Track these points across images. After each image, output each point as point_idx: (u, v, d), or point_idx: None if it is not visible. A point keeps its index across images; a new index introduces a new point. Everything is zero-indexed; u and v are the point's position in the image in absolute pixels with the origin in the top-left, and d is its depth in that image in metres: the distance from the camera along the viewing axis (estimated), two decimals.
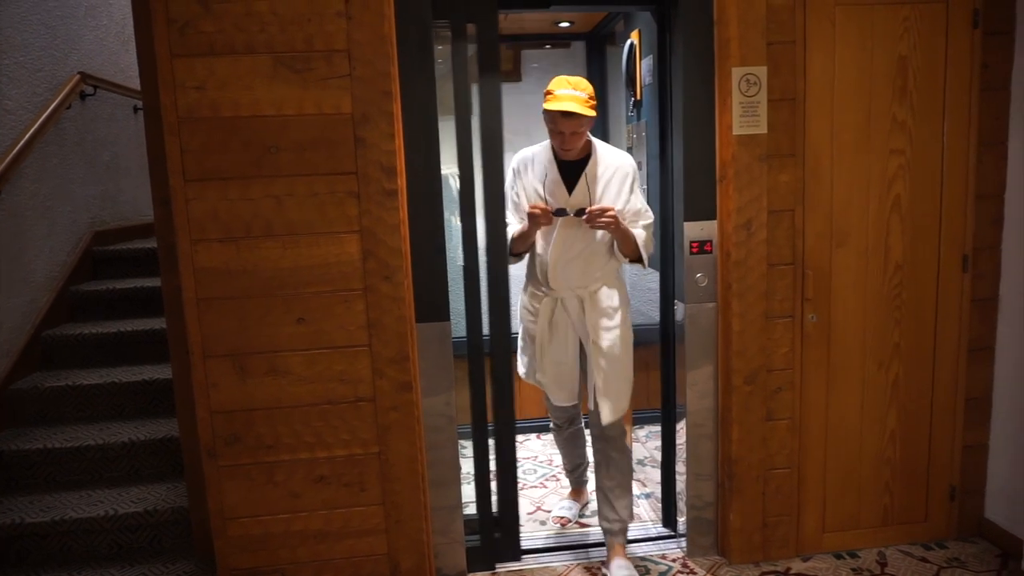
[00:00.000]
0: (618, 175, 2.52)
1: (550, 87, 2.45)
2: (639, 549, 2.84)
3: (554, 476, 3.65)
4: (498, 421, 2.74)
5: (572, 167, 2.53)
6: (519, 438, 4.17)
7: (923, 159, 2.58)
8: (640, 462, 3.62)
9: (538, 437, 4.15)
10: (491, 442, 2.80)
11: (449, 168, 2.58)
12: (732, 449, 2.62)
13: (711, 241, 2.60)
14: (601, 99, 4.01)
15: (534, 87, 4.12)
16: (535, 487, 3.55)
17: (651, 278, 3.37)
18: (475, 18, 2.52)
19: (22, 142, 3.11)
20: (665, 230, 2.81)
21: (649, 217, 2.57)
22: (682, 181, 2.59)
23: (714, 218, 2.59)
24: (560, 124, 2.42)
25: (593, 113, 2.41)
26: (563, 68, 3.75)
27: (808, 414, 2.66)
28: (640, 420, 3.84)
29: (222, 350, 2.21)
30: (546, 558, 2.82)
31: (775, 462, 2.66)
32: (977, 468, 2.77)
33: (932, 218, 2.61)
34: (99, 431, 2.87)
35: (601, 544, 2.84)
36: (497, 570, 2.76)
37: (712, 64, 2.53)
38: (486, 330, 2.69)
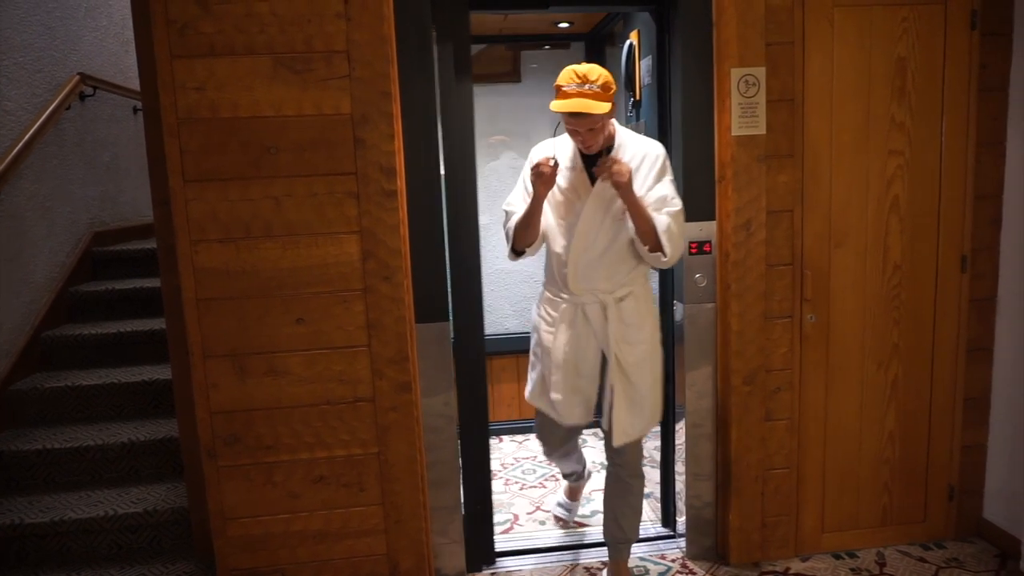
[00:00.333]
0: (646, 162, 2.30)
1: (559, 81, 2.21)
2: (638, 549, 2.84)
3: (553, 476, 3.65)
4: (469, 423, 2.69)
5: (595, 158, 2.30)
6: (519, 438, 4.18)
7: (922, 160, 2.59)
8: None
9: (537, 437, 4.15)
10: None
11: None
12: (731, 449, 2.62)
13: (710, 241, 2.61)
14: None
15: (533, 88, 4.13)
16: (534, 487, 3.55)
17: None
18: (442, 21, 2.48)
19: (21, 143, 3.11)
20: None
21: (676, 205, 2.28)
22: (681, 182, 2.59)
23: (713, 219, 2.60)
24: (573, 124, 2.21)
25: (606, 107, 2.16)
26: (561, 69, 3.76)
27: (807, 414, 2.66)
28: None
29: (222, 350, 2.22)
30: (546, 558, 2.82)
31: (774, 462, 2.66)
32: (975, 468, 2.77)
33: (931, 218, 2.62)
34: (99, 432, 2.87)
35: (601, 544, 2.85)
36: (497, 570, 2.76)
37: (711, 65, 2.53)
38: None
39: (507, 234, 2.41)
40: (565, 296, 2.39)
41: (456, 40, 2.50)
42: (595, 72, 2.17)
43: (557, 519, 3.15)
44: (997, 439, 2.72)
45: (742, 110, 2.46)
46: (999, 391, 2.71)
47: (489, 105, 4.14)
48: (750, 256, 2.53)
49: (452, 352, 2.57)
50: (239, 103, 2.13)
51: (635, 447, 2.48)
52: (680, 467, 2.81)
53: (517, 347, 4.10)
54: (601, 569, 2.74)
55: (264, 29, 2.11)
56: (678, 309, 2.71)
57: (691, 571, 2.70)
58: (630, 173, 2.16)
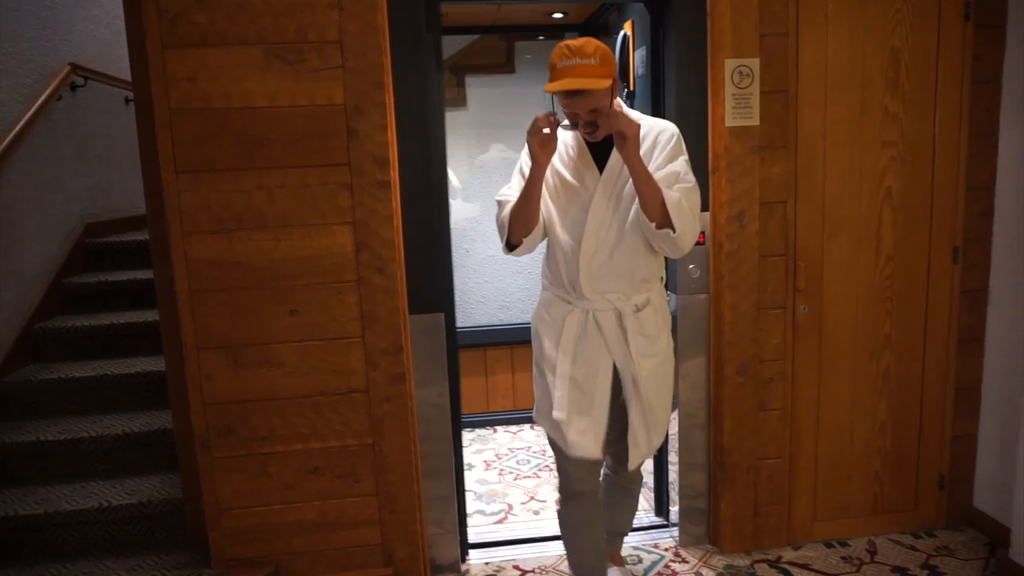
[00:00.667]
0: (660, 140, 2.04)
1: (551, 59, 1.93)
2: (631, 539, 2.86)
3: (547, 466, 3.67)
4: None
5: (596, 148, 2.06)
6: (513, 428, 4.20)
7: (915, 151, 2.59)
8: None
9: (531, 427, 4.17)
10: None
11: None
12: (724, 439, 2.64)
13: (703, 232, 2.61)
14: None
15: (528, 79, 4.12)
16: (528, 477, 3.57)
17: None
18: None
19: (12, 134, 3.09)
20: None
21: (689, 182, 1.99)
22: None
23: (706, 209, 2.60)
24: (571, 106, 1.91)
25: (606, 82, 1.87)
26: None
27: (799, 404, 2.68)
28: None
29: (215, 342, 2.21)
30: (540, 547, 2.84)
31: (767, 452, 2.68)
32: (966, 457, 2.80)
33: (923, 210, 2.63)
34: (92, 423, 2.86)
35: None
36: (491, 559, 2.77)
37: (705, 55, 2.53)
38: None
39: (501, 225, 2.12)
40: (574, 301, 2.10)
41: (425, 29, 2.44)
42: (591, 45, 1.89)
43: None
44: (988, 429, 2.75)
45: (736, 101, 2.46)
46: (990, 381, 2.73)
47: (483, 96, 4.13)
48: (743, 247, 2.54)
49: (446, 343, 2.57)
50: (231, 94, 2.12)
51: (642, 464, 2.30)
52: (673, 457, 2.82)
53: (511, 338, 4.11)
54: None
55: (256, 19, 2.10)
56: (671, 300, 2.72)
57: (684, 560, 2.71)
58: (638, 128, 1.88)
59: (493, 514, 3.22)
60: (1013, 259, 2.59)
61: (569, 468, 2.16)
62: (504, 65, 4.17)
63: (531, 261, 4.02)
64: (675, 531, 2.86)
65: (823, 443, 2.72)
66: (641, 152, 1.94)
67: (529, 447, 3.93)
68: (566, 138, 2.09)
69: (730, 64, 2.44)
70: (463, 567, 2.70)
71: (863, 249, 2.62)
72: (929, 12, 2.52)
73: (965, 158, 2.61)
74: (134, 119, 2.34)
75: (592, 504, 2.21)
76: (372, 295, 2.25)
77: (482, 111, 4.13)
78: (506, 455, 3.87)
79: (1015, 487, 2.45)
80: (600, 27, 3.95)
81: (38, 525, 2.52)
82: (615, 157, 2.00)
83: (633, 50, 3.18)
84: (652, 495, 3.08)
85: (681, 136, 2.07)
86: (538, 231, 2.07)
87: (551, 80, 1.90)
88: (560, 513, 2.29)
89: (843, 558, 2.67)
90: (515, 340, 4.10)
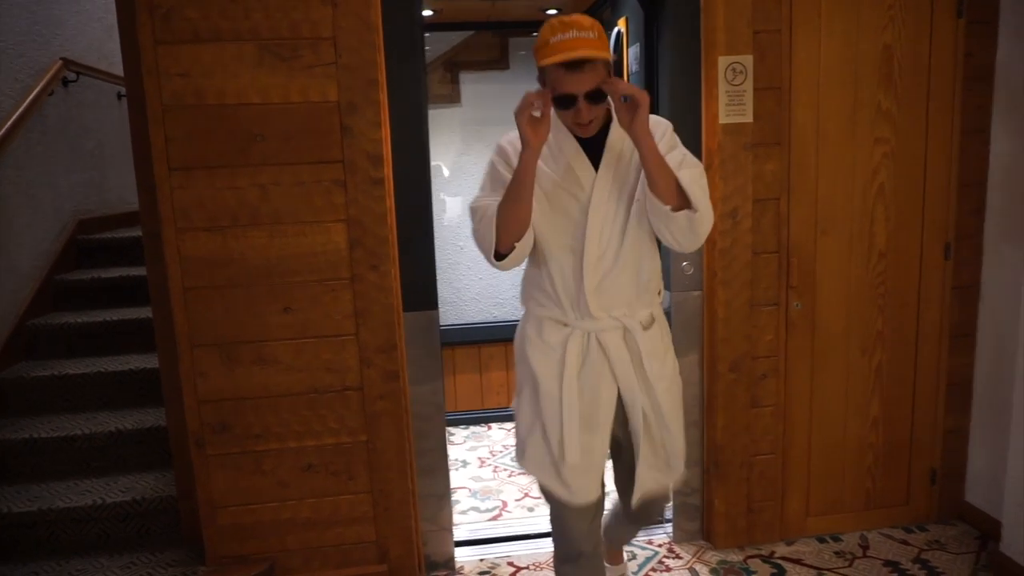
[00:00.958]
0: (656, 132, 1.77)
1: (542, 36, 1.68)
2: None
3: None
4: None
5: (588, 144, 1.80)
6: (507, 425, 4.20)
7: (907, 148, 2.60)
8: None
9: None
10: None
11: (435, 160, 2.57)
12: (717, 435, 2.65)
13: None
14: None
15: (521, 75, 4.12)
16: (522, 474, 3.58)
17: None
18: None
19: (3, 129, 3.07)
20: None
21: (695, 164, 1.78)
22: None
23: None
24: (570, 83, 1.63)
25: (609, 55, 1.67)
26: None
27: (792, 400, 2.69)
28: None
29: (209, 339, 2.21)
30: (535, 544, 2.85)
31: (760, 448, 2.69)
32: (957, 452, 2.81)
33: (915, 206, 2.64)
34: (86, 421, 2.85)
35: None
36: (487, 556, 2.78)
37: (698, 52, 2.53)
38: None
39: (483, 233, 1.75)
40: (573, 322, 1.82)
41: (419, 26, 2.43)
42: (586, 19, 1.67)
43: None
44: (979, 424, 2.76)
45: (729, 98, 2.46)
46: (981, 377, 2.74)
47: (477, 92, 4.13)
48: (737, 244, 2.54)
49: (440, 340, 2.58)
50: (225, 90, 2.11)
51: (660, 501, 2.02)
52: None
53: (505, 335, 4.11)
54: None
55: (250, 15, 2.09)
56: (665, 297, 2.72)
57: (678, 556, 2.73)
58: (648, 97, 1.65)
59: (487, 511, 3.23)
60: (1004, 255, 2.60)
61: (571, 522, 1.88)
62: (498, 61, 4.17)
63: None
64: (669, 527, 2.87)
65: (816, 439, 2.73)
66: (632, 150, 1.76)
67: None
68: (554, 139, 1.79)
69: (724, 61, 2.44)
70: (457, 564, 2.70)
71: (856, 246, 2.63)
72: (922, 9, 2.53)
73: (957, 155, 2.62)
74: (127, 115, 2.33)
75: (596, 565, 1.94)
76: (366, 292, 2.24)
77: (476, 107, 4.13)
78: (500, 452, 3.88)
79: (1006, 481, 2.47)
80: None
81: (32, 522, 2.52)
82: (611, 148, 1.79)
83: (627, 47, 3.18)
84: None
85: (671, 128, 1.88)
86: (531, 235, 1.76)
87: (546, 57, 1.64)
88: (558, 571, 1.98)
89: (836, 553, 2.69)
90: (509, 337, 4.06)
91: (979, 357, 2.74)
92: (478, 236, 1.77)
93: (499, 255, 1.75)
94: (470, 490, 3.44)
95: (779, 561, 2.65)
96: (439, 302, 2.59)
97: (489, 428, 4.20)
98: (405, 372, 2.36)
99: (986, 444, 2.73)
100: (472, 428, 4.19)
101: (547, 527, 2.88)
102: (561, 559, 1.97)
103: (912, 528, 2.83)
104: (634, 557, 2.73)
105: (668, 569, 2.65)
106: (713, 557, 2.70)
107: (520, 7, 3.70)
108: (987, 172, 2.64)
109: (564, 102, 1.67)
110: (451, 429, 4.13)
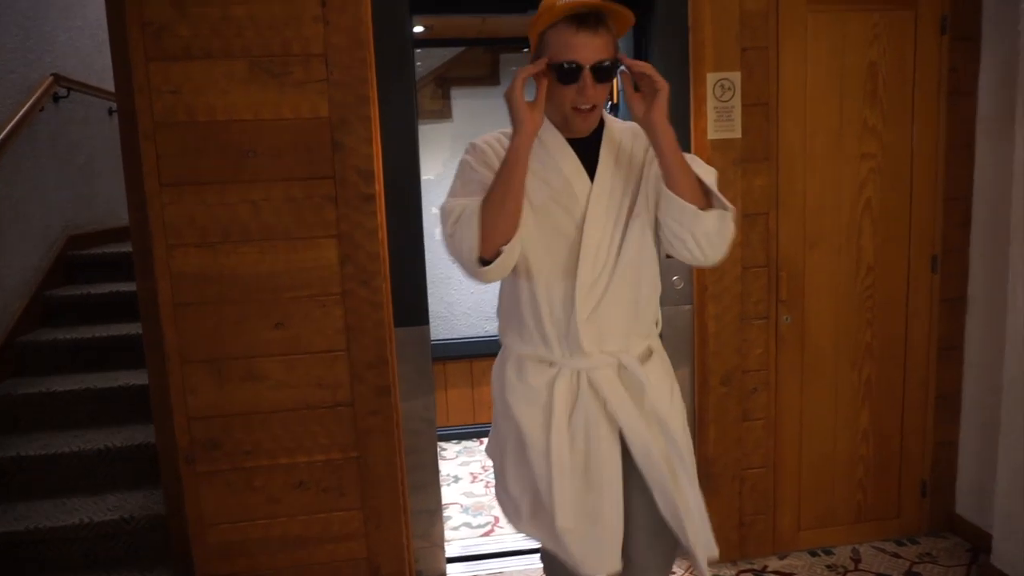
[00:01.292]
0: (647, 144, 1.58)
1: (545, 2, 1.47)
2: None
3: None
4: None
5: (579, 147, 1.57)
6: None
7: (893, 162, 2.63)
8: None
9: None
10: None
11: (426, 174, 2.58)
12: (709, 449, 2.65)
13: None
14: None
15: None
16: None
17: None
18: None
19: None
20: None
21: (707, 167, 1.62)
22: None
23: None
24: (578, 47, 1.40)
25: (630, 15, 1.49)
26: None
27: (783, 414, 2.70)
28: None
29: (199, 355, 2.20)
30: (526, 560, 2.83)
31: (751, 461, 2.69)
32: (947, 465, 2.83)
33: (902, 220, 2.66)
34: (74, 438, 2.83)
35: None
36: (478, 571, 2.76)
37: (687, 69, 2.55)
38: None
39: (460, 237, 1.48)
40: (560, 360, 1.57)
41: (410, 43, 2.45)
42: None
43: None
44: (968, 436, 2.78)
45: (718, 114, 2.48)
46: (969, 388, 2.76)
47: (468, 107, 4.15)
48: (726, 258, 2.54)
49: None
50: (216, 106, 2.12)
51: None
52: None
53: (497, 350, 4.11)
54: None
55: (241, 32, 2.10)
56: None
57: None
58: (662, 83, 1.45)
59: (480, 527, 3.22)
60: (990, 268, 2.63)
61: None
62: (489, 77, 4.19)
63: None
64: None
65: (807, 452, 2.74)
66: (629, 155, 1.59)
67: None
68: (541, 143, 1.55)
69: (712, 78, 2.46)
70: None
71: (844, 259, 2.65)
72: (906, 26, 2.56)
73: (943, 169, 2.65)
74: (117, 130, 2.33)
75: None
76: (357, 308, 2.24)
77: (467, 123, 4.15)
78: (492, 467, 3.86)
79: (995, 494, 2.48)
80: None
81: (18, 541, 2.49)
82: (607, 152, 1.57)
83: None
84: None
85: None
86: (519, 242, 1.49)
87: (546, 19, 1.45)
88: None
89: (828, 566, 2.69)
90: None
91: (967, 369, 2.76)
92: (455, 239, 1.48)
93: (485, 260, 1.47)
94: (462, 506, 3.42)
95: (772, 575, 2.65)
96: (430, 316, 2.59)
97: (481, 443, 4.18)
98: (396, 387, 2.35)
99: (976, 456, 2.74)
100: (464, 443, 4.18)
101: (538, 543, 2.88)
102: None
103: (904, 541, 2.83)
104: None
105: None
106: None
107: (511, 23, 3.73)
108: (972, 185, 2.67)
109: (566, 74, 1.42)
110: (443, 444, 4.12)
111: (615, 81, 1.78)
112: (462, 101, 4.15)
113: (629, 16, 1.46)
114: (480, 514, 3.32)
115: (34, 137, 3.47)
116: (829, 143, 2.58)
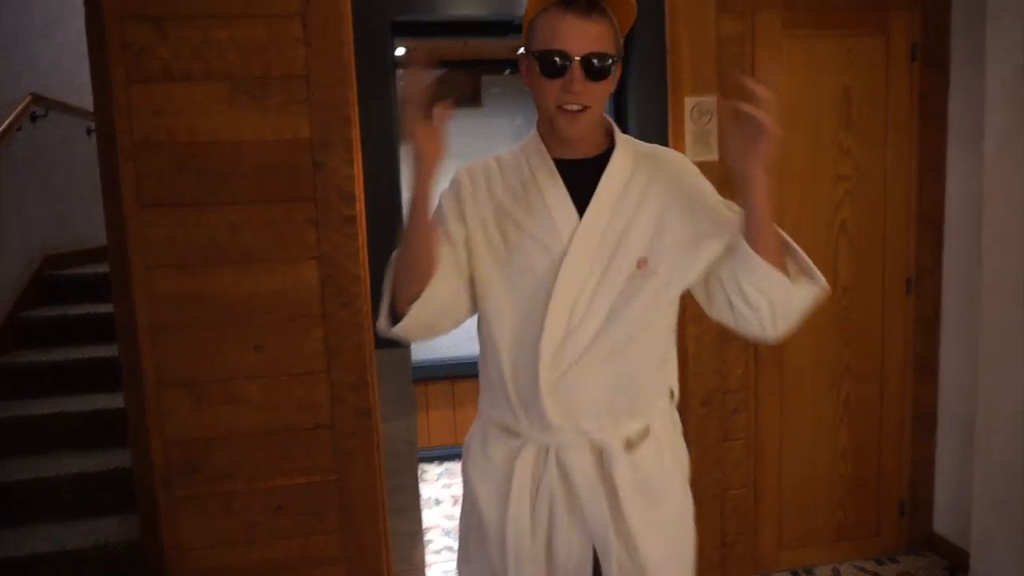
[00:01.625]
0: (687, 171, 1.37)
1: None
2: None
3: None
4: None
5: (578, 171, 1.30)
6: None
7: (868, 185, 2.68)
8: None
9: None
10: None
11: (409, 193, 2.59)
12: (690, 470, 2.65)
13: None
14: None
15: (495, 112, 4.18)
16: None
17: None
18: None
19: None
20: None
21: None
22: None
23: None
24: (563, 34, 1.18)
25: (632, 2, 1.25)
26: (523, 93, 3.81)
27: (763, 434, 2.71)
28: None
29: (177, 378, 2.18)
30: None
31: (732, 482, 2.70)
32: (925, 483, 2.85)
33: (877, 242, 2.71)
34: (50, 463, 2.78)
35: None
36: None
37: (665, 93, 2.59)
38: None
39: (385, 288, 1.35)
40: (525, 431, 1.30)
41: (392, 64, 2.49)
42: None
43: None
44: (944, 454, 2.81)
45: (695, 137, 2.52)
46: (945, 407, 2.80)
47: (449, 129, 4.17)
48: None
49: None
50: (196, 128, 2.11)
51: None
52: None
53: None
54: None
55: (222, 55, 2.10)
56: None
57: None
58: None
59: None
60: (962, 288, 2.67)
61: None
62: (471, 99, 4.22)
63: None
64: None
65: (787, 471, 2.76)
66: (638, 197, 1.29)
67: None
68: (522, 166, 1.33)
69: (689, 102, 2.50)
70: None
71: None
72: (878, 52, 2.63)
73: (916, 191, 2.70)
74: (96, 150, 2.31)
75: None
76: (338, 330, 2.23)
77: (449, 144, 4.18)
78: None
79: (972, 512, 2.51)
80: None
81: None
82: (609, 183, 1.28)
83: None
84: None
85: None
86: (435, 298, 1.27)
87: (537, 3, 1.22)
88: None
89: None
90: None
91: (942, 388, 2.80)
92: (382, 291, 1.34)
93: (396, 317, 1.29)
94: (443, 529, 3.40)
95: None
96: None
97: None
98: (377, 409, 2.34)
99: (953, 474, 2.77)
100: (446, 464, 4.15)
101: None
102: None
103: (883, 559, 2.85)
104: None
105: None
106: None
107: (492, 46, 3.77)
108: (944, 207, 2.73)
109: (551, 66, 1.19)
110: (424, 465, 4.09)
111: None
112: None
113: (631, 4, 1.22)
114: None
115: (11, 156, 3.44)
116: (805, 165, 2.63)
